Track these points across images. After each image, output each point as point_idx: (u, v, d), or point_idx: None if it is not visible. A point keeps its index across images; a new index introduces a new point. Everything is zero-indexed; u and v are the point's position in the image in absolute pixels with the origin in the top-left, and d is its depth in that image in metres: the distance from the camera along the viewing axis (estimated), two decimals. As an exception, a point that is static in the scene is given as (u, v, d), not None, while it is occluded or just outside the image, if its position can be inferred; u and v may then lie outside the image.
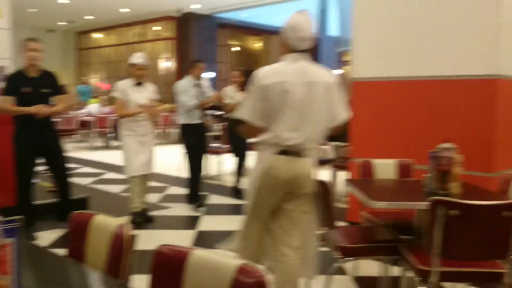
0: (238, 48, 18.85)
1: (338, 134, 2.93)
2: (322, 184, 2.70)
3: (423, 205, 2.39)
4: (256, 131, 2.63)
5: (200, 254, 1.38)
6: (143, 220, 4.91)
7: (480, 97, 3.94)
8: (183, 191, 5.97)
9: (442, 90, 4.16)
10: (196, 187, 5.62)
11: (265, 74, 2.57)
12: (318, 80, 2.55)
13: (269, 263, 2.70)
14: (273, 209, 2.67)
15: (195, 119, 5.44)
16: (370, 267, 3.53)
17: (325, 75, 2.61)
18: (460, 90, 4.05)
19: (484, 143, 3.91)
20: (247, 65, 16.04)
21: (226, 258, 1.33)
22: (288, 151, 2.56)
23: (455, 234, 2.27)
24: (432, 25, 4.21)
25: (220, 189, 6.74)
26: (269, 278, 1.24)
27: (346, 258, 2.77)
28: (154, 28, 16.41)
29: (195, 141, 5.49)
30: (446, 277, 2.40)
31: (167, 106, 6.59)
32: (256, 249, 2.74)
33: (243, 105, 2.67)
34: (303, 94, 2.52)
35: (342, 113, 2.64)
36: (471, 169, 3.71)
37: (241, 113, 2.63)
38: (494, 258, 2.40)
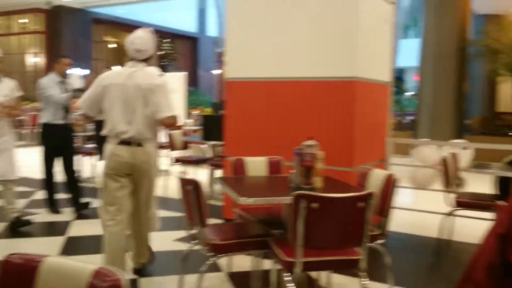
0: (115, 45, 18.17)
1: (170, 127, 3.64)
2: (193, 182, 2.71)
3: (287, 199, 2.51)
4: (89, 119, 3.48)
5: (53, 261, 1.30)
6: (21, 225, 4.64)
7: (340, 98, 4.25)
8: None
9: (306, 91, 4.41)
10: (51, 191, 5.35)
11: (105, 76, 3.29)
12: (145, 82, 3.17)
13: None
14: (120, 189, 3.23)
15: (58, 119, 5.12)
16: (244, 262, 3.63)
17: (153, 79, 3.23)
18: (322, 91, 4.33)
19: (345, 141, 4.22)
20: (123, 62, 15.52)
21: (81, 264, 1.27)
22: (126, 141, 3.18)
23: (316, 226, 2.42)
24: (296, 29, 4.44)
25: (93, 192, 6.44)
26: (125, 281, 1.22)
27: (218, 255, 2.82)
28: (20, 21, 15.17)
29: (52, 143, 5.18)
30: (310, 266, 2.55)
31: (33, 104, 6.14)
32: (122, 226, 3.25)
33: (82, 97, 3.38)
34: (131, 94, 3.16)
35: (166, 110, 3.19)
36: (333, 164, 3.99)
37: (79, 103, 3.40)
38: (352, 245, 2.60)
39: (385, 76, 4.85)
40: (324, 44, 4.32)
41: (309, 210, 2.38)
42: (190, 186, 2.72)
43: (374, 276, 3.15)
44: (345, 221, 2.48)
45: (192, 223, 2.84)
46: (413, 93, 15.55)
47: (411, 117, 11.92)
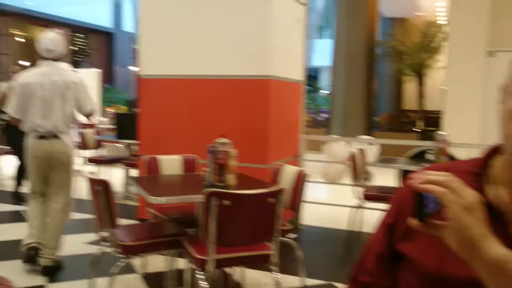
0: (23, 39, 17.11)
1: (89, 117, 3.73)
2: (102, 183, 2.63)
3: (199, 197, 2.51)
4: (18, 121, 3.55)
5: None
6: None
7: (255, 96, 4.32)
8: None
9: (222, 89, 4.44)
10: None
11: (24, 76, 3.51)
12: (60, 79, 3.42)
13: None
14: (43, 178, 3.55)
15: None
16: (159, 262, 3.58)
17: (68, 76, 3.48)
18: (237, 89, 4.38)
19: (259, 138, 4.30)
20: (34, 58, 14.67)
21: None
22: (44, 135, 3.44)
23: (228, 223, 2.45)
24: (211, 26, 4.45)
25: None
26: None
27: (130, 256, 2.76)
28: None
29: None
30: (223, 263, 2.58)
31: None
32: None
33: (10, 102, 3.55)
34: (47, 91, 3.40)
35: (88, 105, 3.53)
36: (248, 161, 4.05)
37: (8, 109, 3.57)
38: (263, 241, 2.66)
39: (298, 75, 4.99)
40: (238, 43, 4.37)
41: (221, 207, 2.40)
42: (99, 187, 2.64)
43: (287, 269, 3.24)
44: (257, 217, 2.53)
45: (102, 225, 2.76)
46: (328, 91, 16.14)
47: (326, 115, 12.38)
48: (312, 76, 19.84)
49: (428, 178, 0.81)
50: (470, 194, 0.80)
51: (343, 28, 10.12)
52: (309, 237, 4.70)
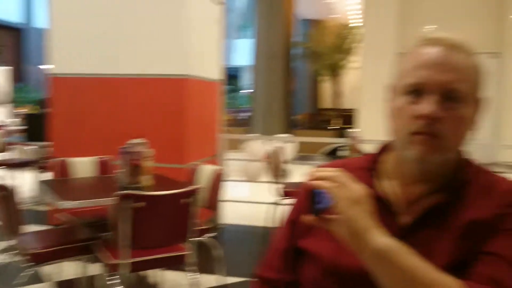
0: None
1: None
2: (4, 188, 2.47)
3: (110, 200, 2.44)
4: None
5: None
6: None
7: (172, 95, 4.26)
8: None
9: (138, 88, 4.34)
10: None
11: None
12: None
13: None
14: None
15: None
16: (71, 269, 3.43)
17: None
18: (154, 88, 4.30)
19: (177, 138, 4.25)
20: None
21: None
22: None
23: (142, 225, 2.40)
24: (127, 24, 4.34)
25: None
26: None
27: (38, 264, 2.62)
28: None
29: None
30: (137, 267, 2.52)
31: None
32: None
33: None
34: None
35: None
36: (166, 161, 3.99)
37: None
38: (179, 242, 2.64)
39: (216, 74, 4.99)
40: (155, 41, 4.29)
41: (134, 209, 2.34)
42: (2, 192, 2.48)
43: (206, 269, 3.24)
44: (172, 218, 2.50)
45: (8, 232, 2.59)
46: (250, 90, 16.31)
47: (247, 114, 12.50)
48: (233, 75, 19.93)
49: (319, 175, 0.85)
50: (357, 188, 0.83)
51: (262, 28, 10.27)
52: (230, 235, 4.72)
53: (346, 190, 0.82)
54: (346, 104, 11.15)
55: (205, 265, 3.21)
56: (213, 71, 4.93)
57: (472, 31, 8.67)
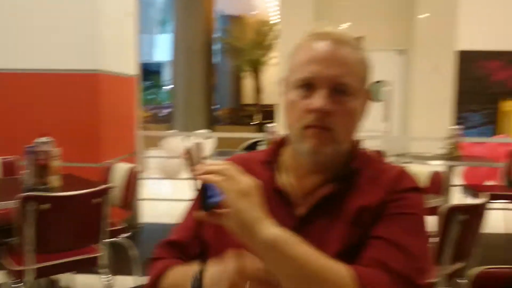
0: None
1: None
2: None
3: (13, 203, 2.29)
4: None
5: None
6: None
7: (83, 91, 4.08)
8: None
9: (46, 84, 4.10)
10: None
11: None
12: None
13: None
14: None
15: None
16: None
17: None
18: (64, 85, 4.09)
19: (90, 136, 4.08)
20: None
21: None
22: None
23: (49, 228, 2.28)
24: (31, 15, 4.09)
25: None
26: None
27: None
28: None
29: None
30: (44, 272, 2.39)
31: None
32: None
33: None
34: None
35: None
36: (80, 160, 3.83)
37: None
38: (90, 243, 2.54)
39: (132, 69, 4.85)
40: (64, 35, 4.07)
41: (38, 212, 2.22)
42: None
43: (122, 270, 3.15)
44: (81, 219, 2.40)
45: None
46: (172, 86, 16.09)
47: (169, 110, 12.30)
48: (155, 71, 19.52)
49: (207, 169, 0.84)
50: (245, 180, 0.84)
51: (181, 23, 10.14)
52: (149, 234, 4.62)
53: (234, 183, 0.82)
54: (267, 99, 11.32)
55: (122, 266, 3.12)
56: (129, 66, 4.79)
57: (383, 29, 9.13)
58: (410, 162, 4.23)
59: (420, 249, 0.91)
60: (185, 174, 5.38)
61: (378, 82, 8.78)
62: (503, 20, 8.53)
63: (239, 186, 0.82)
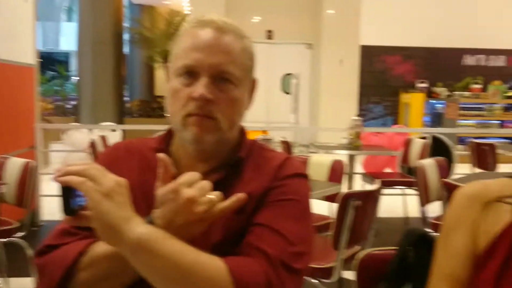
0: None
1: None
2: None
3: None
4: None
5: None
6: None
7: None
8: None
9: None
10: None
11: None
12: None
13: None
14: None
15: None
16: None
17: None
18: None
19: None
20: None
21: None
22: None
23: None
24: None
25: None
26: None
27: None
28: None
29: None
30: None
31: None
32: None
33: None
34: None
35: None
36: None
37: None
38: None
39: (29, 58, 4.55)
40: None
41: None
42: None
43: (18, 271, 2.98)
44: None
45: None
46: (77, 77, 15.35)
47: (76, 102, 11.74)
48: (61, 60, 18.50)
49: (66, 170, 0.79)
50: (107, 180, 0.79)
51: (87, 11, 9.65)
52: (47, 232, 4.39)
53: (97, 183, 0.78)
54: (180, 91, 11.17)
55: (18, 268, 2.94)
56: (26, 55, 4.49)
57: (292, 23, 9.36)
58: (316, 152, 4.38)
59: (299, 234, 0.92)
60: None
61: (287, 75, 8.99)
62: (402, 18, 9.08)
63: (102, 187, 0.78)
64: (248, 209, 0.95)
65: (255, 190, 0.96)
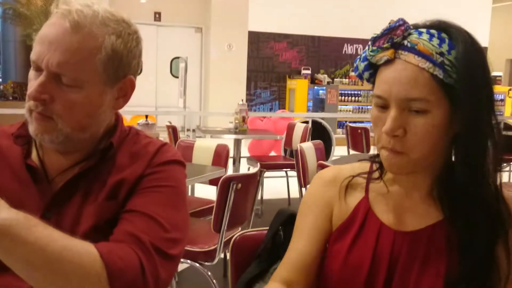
0: None
1: None
2: None
3: None
4: None
5: None
6: None
7: None
8: None
9: None
10: None
11: None
12: None
13: None
14: None
15: None
16: None
17: None
18: None
19: None
20: None
21: None
22: None
23: None
24: None
25: None
26: None
27: None
28: None
29: None
30: None
31: None
32: None
33: None
34: None
35: None
36: None
37: None
38: None
39: None
40: None
41: None
42: None
43: None
44: None
45: None
46: None
47: None
48: None
49: None
50: None
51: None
52: None
53: None
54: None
55: None
56: None
57: (181, 6, 9.22)
58: (202, 137, 4.40)
59: (174, 221, 0.93)
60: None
61: (175, 58, 8.87)
62: (289, 6, 9.37)
63: None
64: (120, 195, 0.95)
65: (128, 177, 0.96)
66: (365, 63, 0.89)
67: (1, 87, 10.10)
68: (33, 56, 0.90)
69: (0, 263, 0.88)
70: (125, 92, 1.00)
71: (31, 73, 0.92)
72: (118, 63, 0.95)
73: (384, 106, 0.86)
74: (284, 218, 1.22)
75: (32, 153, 0.99)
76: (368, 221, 0.94)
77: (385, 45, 0.85)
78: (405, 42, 0.83)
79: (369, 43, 0.88)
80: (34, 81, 0.91)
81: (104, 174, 0.96)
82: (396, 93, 0.82)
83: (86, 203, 0.94)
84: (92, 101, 0.94)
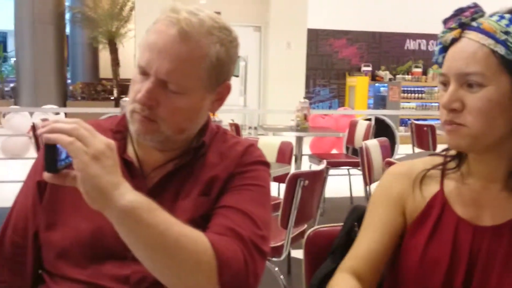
0: None
1: None
2: None
3: None
4: None
5: None
6: None
7: None
8: None
9: None
10: None
11: None
12: None
13: None
14: None
15: None
16: None
17: None
18: None
19: None
20: None
21: None
22: None
23: None
24: None
25: None
26: None
27: None
28: None
29: None
30: None
31: None
32: None
33: None
34: None
35: None
36: None
37: None
38: None
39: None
40: None
41: None
42: None
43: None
44: None
45: None
46: (15, 59, 14.61)
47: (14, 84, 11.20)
48: (-2, 41, 17.53)
49: (53, 127, 0.74)
50: (97, 142, 0.75)
51: (25, -12, 9.20)
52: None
53: (86, 145, 0.73)
54: (126, 73, 10.90)
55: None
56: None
57: (240, 5, 9.31)
58: (264, 134, 4.43)
59: (264, 219, 0.96)
60: (32, 152, 4.99)
61: (236, 57, 8.96)
62: (348, 2, 9.23)
63: (91, 149, 0.74)
64: (213, 192, 0.98)
65: (220, 174, 0.99)
66: (440, 46, 0.91)
67: (71, 88, 10.64)
68: (142, 62, 0.93)
69: (98, 252, 0.94)
70: (222, 96, 1.03)
71: (137, 76, 0.95)
72: (220, 70, 0.98)
73: (446, 83, 0.87)
74: (359, 214, 1.21)
75: (128, 148, 1.03)
76: (445, 215, 0.92)
77: (453, 26, 0.87)
78: (473, 23, 0.85)
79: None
80: (139, 84, 0.94)
81: (197, 171, 1.00)
82: (454, 68, 0.85)
83: (179, 199, 0.98)
84: (194, 106, 0.97)
